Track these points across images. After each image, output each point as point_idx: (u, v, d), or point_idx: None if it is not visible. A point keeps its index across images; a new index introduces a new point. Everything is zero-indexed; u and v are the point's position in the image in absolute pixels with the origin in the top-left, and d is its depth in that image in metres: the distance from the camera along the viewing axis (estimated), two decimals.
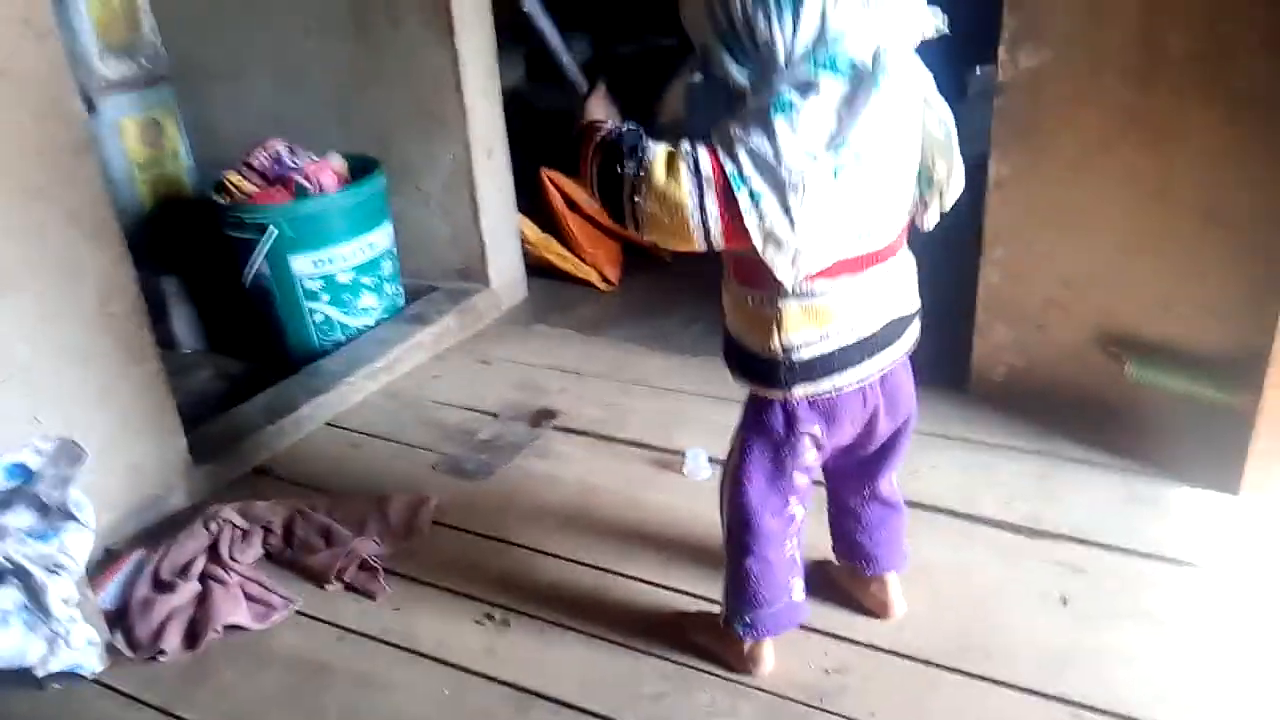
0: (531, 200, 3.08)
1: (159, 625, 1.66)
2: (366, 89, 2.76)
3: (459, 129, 2.71)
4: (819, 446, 1.35)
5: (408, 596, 1.78)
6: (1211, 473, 1.90)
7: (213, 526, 1.85)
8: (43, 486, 1.50)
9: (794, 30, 1.08)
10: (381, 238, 2.71)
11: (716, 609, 1.57)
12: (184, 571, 1.76)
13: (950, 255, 2.16)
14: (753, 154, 1.09)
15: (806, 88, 1.09)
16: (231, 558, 1.82)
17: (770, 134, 1.08)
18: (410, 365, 2.62)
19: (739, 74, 1.13)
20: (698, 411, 2.31)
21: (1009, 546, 1.80)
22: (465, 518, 1.98)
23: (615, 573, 1.80)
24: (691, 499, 1.97)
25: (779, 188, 1.09)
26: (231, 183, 2.61)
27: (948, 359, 2.23)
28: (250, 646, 1.68)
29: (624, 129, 1.19)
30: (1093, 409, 2.12)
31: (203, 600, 1.71)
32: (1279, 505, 1.82)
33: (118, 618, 1.69)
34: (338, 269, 2.62)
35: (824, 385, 1.26)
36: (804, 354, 1.24)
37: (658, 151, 1.13)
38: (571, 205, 3.09)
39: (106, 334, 1.85)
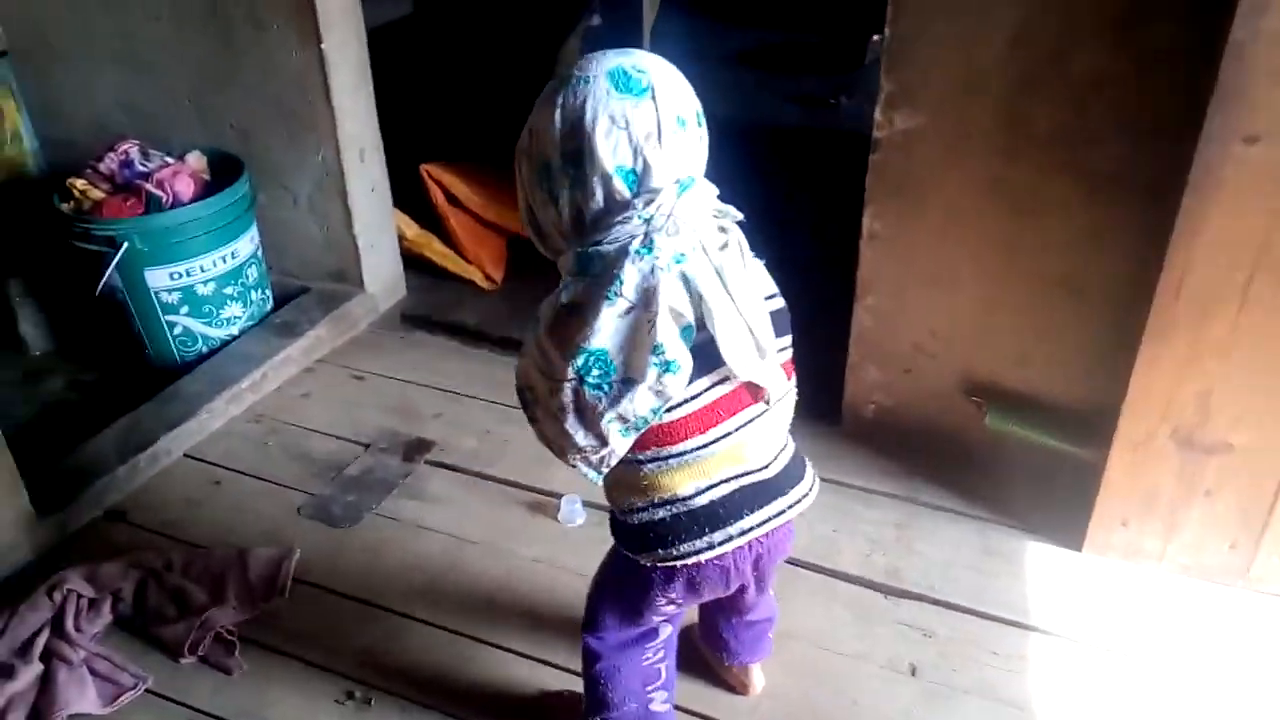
0: (411, 193, 2.96)
1: None
2: (225, 87, 2.58)
3: (328, 131, 2.56)
4: (676, 605, 1.34)
5: (265, 670, 1.74)
6: (1059, 528, 1.99)
7: (56, 596, 1.77)
8: None
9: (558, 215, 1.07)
10: (245, 245, 2.57)
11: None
12: (25, 650, 1.69)
13: (829, 285, 2.19)
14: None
15: (559, 290, 1.08)
16: (78, 628, 1.74)
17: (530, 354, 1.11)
18: (278, 381, 2.53)
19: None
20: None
21: (868, 606, 1.86)
22: (329, 574, 1.94)
23: (482, 641, 1.79)
24: (564, 550, 1.97)
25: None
26: (78, 189, 2.43)
27: (823, 389, 2.26)
28: None
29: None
30: (954, 454, 2.19)
31: (45, 684, 1.65)
32: (1117, 566, 1.93)
33: None
34: (197, 280, 2.48)
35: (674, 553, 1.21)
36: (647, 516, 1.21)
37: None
38: (453, 200, 2.98)
39: None
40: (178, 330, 2.52)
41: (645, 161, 1.02)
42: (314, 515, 2.10)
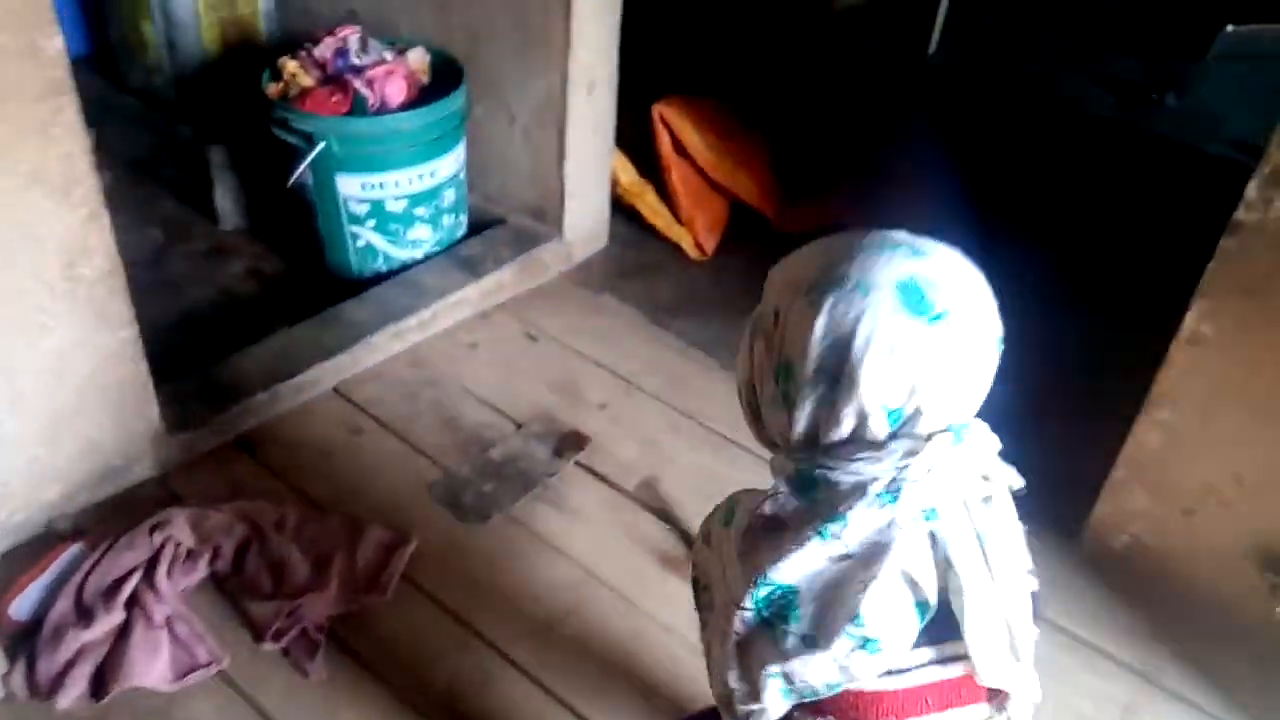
0: (637, 134, 2.62)
1: (63, 666, 1.47)
2: None
3: (559, 54, 2.24)
4: None
5: (344, 684, 1.55)
6: None
7: (157, 538, 1.64)
8: None
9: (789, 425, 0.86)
10: (448, 165, 2.33)
11: None
12: (111, 593, 1.56)
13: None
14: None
15: (764, 499, 0.90)
16: (169, 576, 1.61)
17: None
18: (448, 322, 2.30)
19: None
20: (746, 479, 1.95)
21: None
22: (439, 579, 1.72)
23: (580, 716, 1.53)
24: (696, 634, 1.66)
25: None
26: (289, 71, 2.24)
27: (1065, 491, 1.80)
28: (157, 713, 1.49)
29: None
30: (1220, 635, 1.69)
31: (120, 639, 1.52)
32: None
33: (25, 641, 1.51)
34: (388, 195, 2.27)
35: None
36: None
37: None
38: (680, 151, 2.63)
39: (70, 299, 1.58)
40: (360, 243, 2.33)
41: (919, 406, 0.81)
42: (443, 499, 1.87)
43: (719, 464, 2.00)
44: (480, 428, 2.04)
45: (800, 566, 0.82)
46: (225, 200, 2.60)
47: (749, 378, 0.90)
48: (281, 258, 2.54)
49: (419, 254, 2.40)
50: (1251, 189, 1.43)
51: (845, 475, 0.82)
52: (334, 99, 2.21)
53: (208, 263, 2.52)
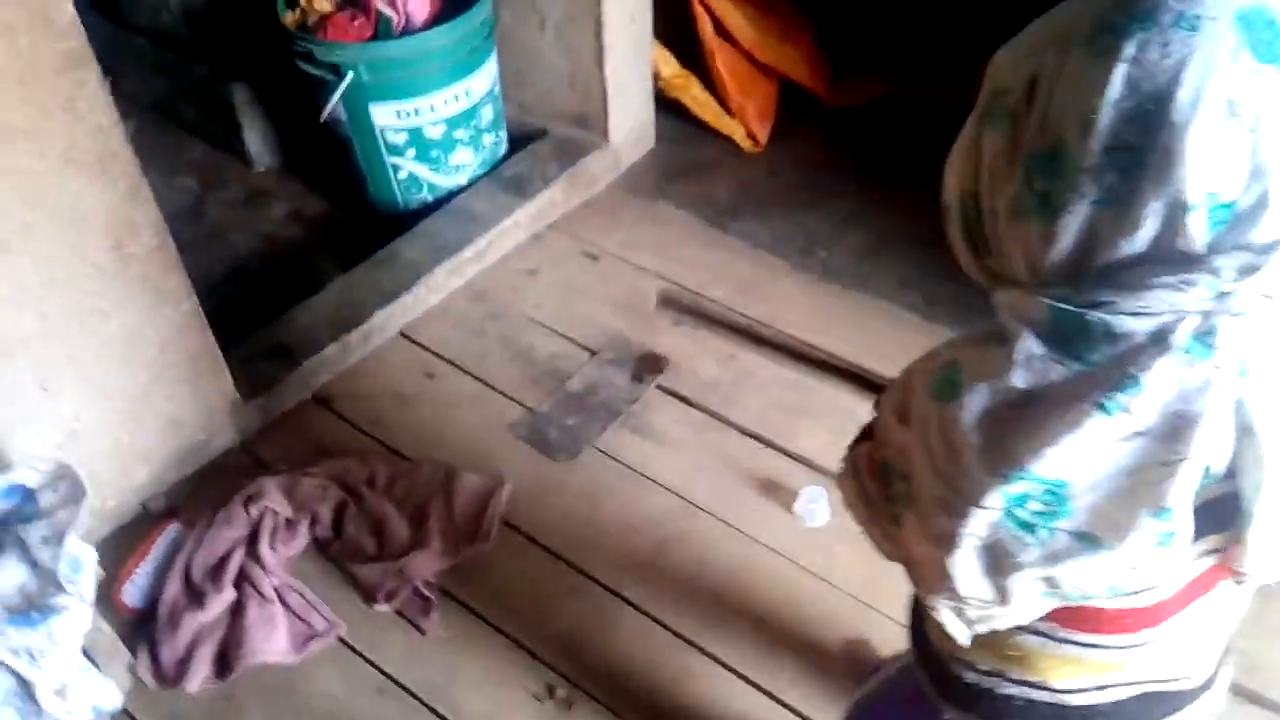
0: (674, 22, 2.45)
1: (185, 650, 1.48)
2: None
3: None
4: None
5: (462, 638, 1.55)
6: None
7: (253, 511, 1.62)
8: (36, 538, 1.26)
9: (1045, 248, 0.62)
10: (481, 81, 2.20)
11: None
12: (217, 573, 1.56)
13: None
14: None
15: (1001, 366, 0.64)
16: (273, 549, 1.60)
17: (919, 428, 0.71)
18: (503, 250, 2.22)
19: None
20: (831, 393, 1.89)
21: None
22: (539, 521, 1.70)
23: (702, 650, 1.53)
24: (809, 549, 1.64)
25: None
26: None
27: None
28: (283, 686, 1.50)
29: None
30: None
31: (236, 617, 1.52)
32: None
33: (142, 628, 1.52)
34: (426, 121, 2.15)
35: None
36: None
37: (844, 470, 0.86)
38: (723, 34, 2.46)
39: (124, 279, 1.51)
40: (402, 175, 2.23)
41: (1262, 197, 0.56)
42: (528, 438, 1.84)
43: (801, 374, 1.93)
44: (553, 359, 1.99)
45: (1074, 454, 0.61)
46: (255, 141, 2.49)
47: (970, 186, 0.67)
48: (322, 196, 2.45)
49: (463, 179, 2.29)
50: None
51: (1135, 315, 0.59)
52: (356, 23, 2.07)
53: (247, 209, 2.44)
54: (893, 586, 1.52)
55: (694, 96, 2.50)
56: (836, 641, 1.54)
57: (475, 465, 1.77)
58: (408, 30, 2.08)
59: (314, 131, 2.22)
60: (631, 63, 2.33)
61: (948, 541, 0.67)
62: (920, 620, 0.95)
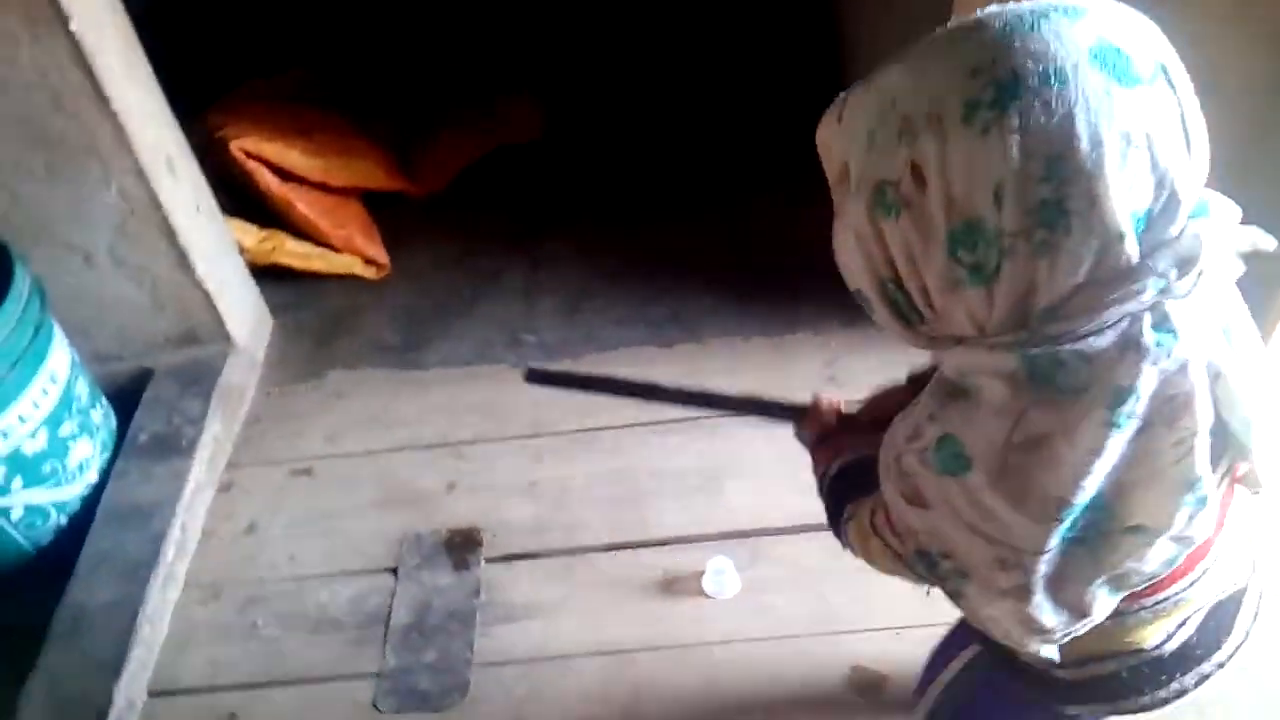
0: (233, 190, 2.11)
1: None
2: None
3: (114, 148, 1.68)
4: None
5: None
6: None
7: None
8: None
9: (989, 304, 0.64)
10: (59, 356, 1.71)
11: None
12: None
13: None
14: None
15: (991, 414, 0.65)
16: None
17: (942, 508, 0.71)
18: (199, 523, 1.77)
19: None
20: (653, 463, 1.78)
21: None
22: None
23: None
24: (753, 622, 1.52)
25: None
26: None
27: None
28: None
29: (832, 476, 0.96)
30: None
31: None
32: None
33: None
34: (22, 436, 1.62)
35: None
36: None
37: (852, 524, 0.89)
38: (291, 179, 2.17)
39: None
40: (16, 515, 1.67)
41: (1171, 194, 0.60)
42: (400, 705, 1.49)
43: (617, 466, 1.79)
44: (356, 605, 1.63)
45: (1098, 475, 0.63)
46: None
47: (886, 272, 0.67)
48: None
49: (93, 476, 1.78)
50: None
51: (1099, 333, 0.61)
52: None
53: None
54: (843, 604, 1.49)
55: (291, 252, 2.19)
56: (840, 678, 1.45)
57: None
58: None
59: None
60: (219, 252, 1.97)
61: (1019, 593, 0.70)
62: (993, 644, 0.88)
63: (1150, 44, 0.59)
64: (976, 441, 0.67)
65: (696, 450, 1.78)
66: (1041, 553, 0.67)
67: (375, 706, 1.49)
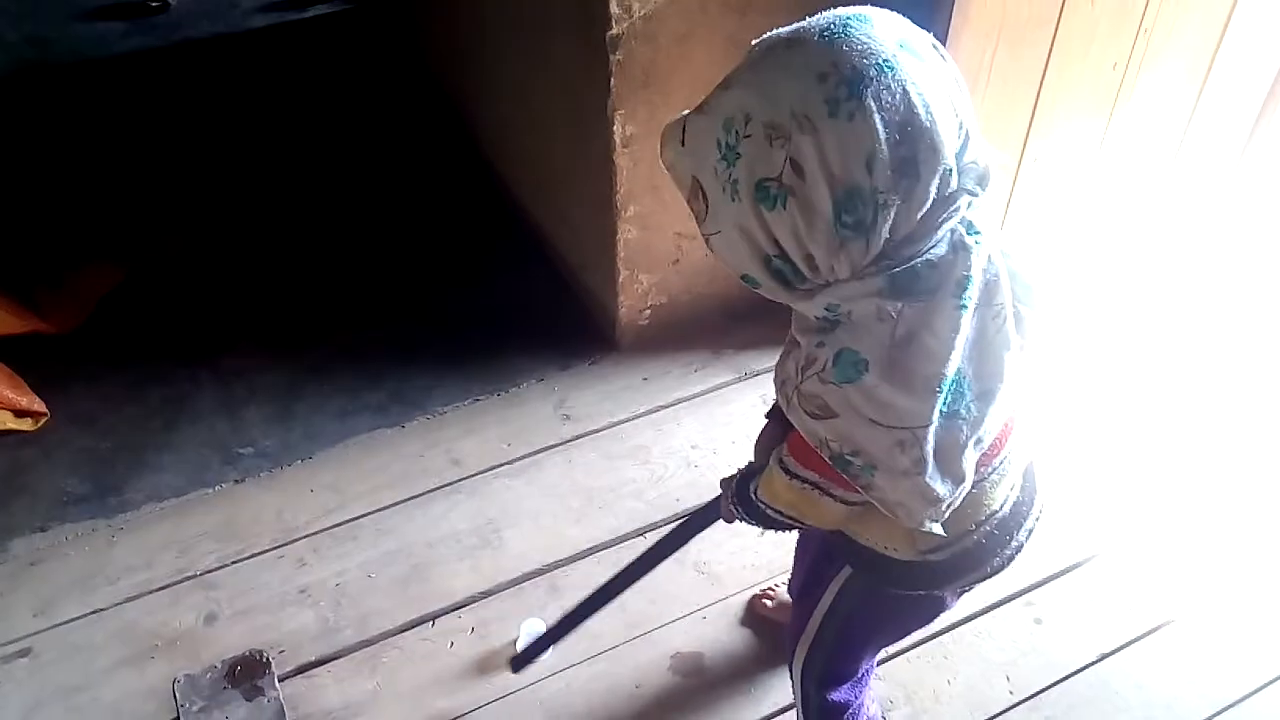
0: None
1: None
2: None
3: None
4: None
5: None
6: None
7: None
8: None
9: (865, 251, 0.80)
10: None
11: None
12: None
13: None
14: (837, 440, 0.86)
15: (874, 323, 0.82)
16: None
17: (847, 413, 0.84)
18: None
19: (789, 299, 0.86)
20: (426, 531, 1.78)
21: None
22: None
23: None
24: (557, 660, 1.59)
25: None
26: None
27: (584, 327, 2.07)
28: None
29: (735, 483, 1.13)
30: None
31: None
32: None
33: None
34: None
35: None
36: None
37: (760, 483, 1.06)
38: None
39: None
40: None
41: (967, 131, 0.80)
42: None
43: (392, 551, 1.76)
44: None
45: (959, 349, 0.81)
46: None
47: (771, 251, 0.80)
48: None
49: None
50: (613, 5, 1.69)
51: (937, 246, 0.80)
52: None
53: None
54: (643, 607, 1.62)
55: None
56: (665, 669, 1.57)
57: None
58: None
59: None
60: None
61: (917, 468, 0.83)
62: (850, 554, 1.07)
63: (918, 32, 0.79)
64: (870, 347, 0.81)
65: (463, 513, 1.81)
66: (929, 424, 0.82)
67: None
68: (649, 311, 2.16)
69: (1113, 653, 1.59)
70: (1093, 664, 1.57)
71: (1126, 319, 2.21)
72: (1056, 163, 1.96)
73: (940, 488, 0.85)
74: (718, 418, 2.00)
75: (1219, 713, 1.51)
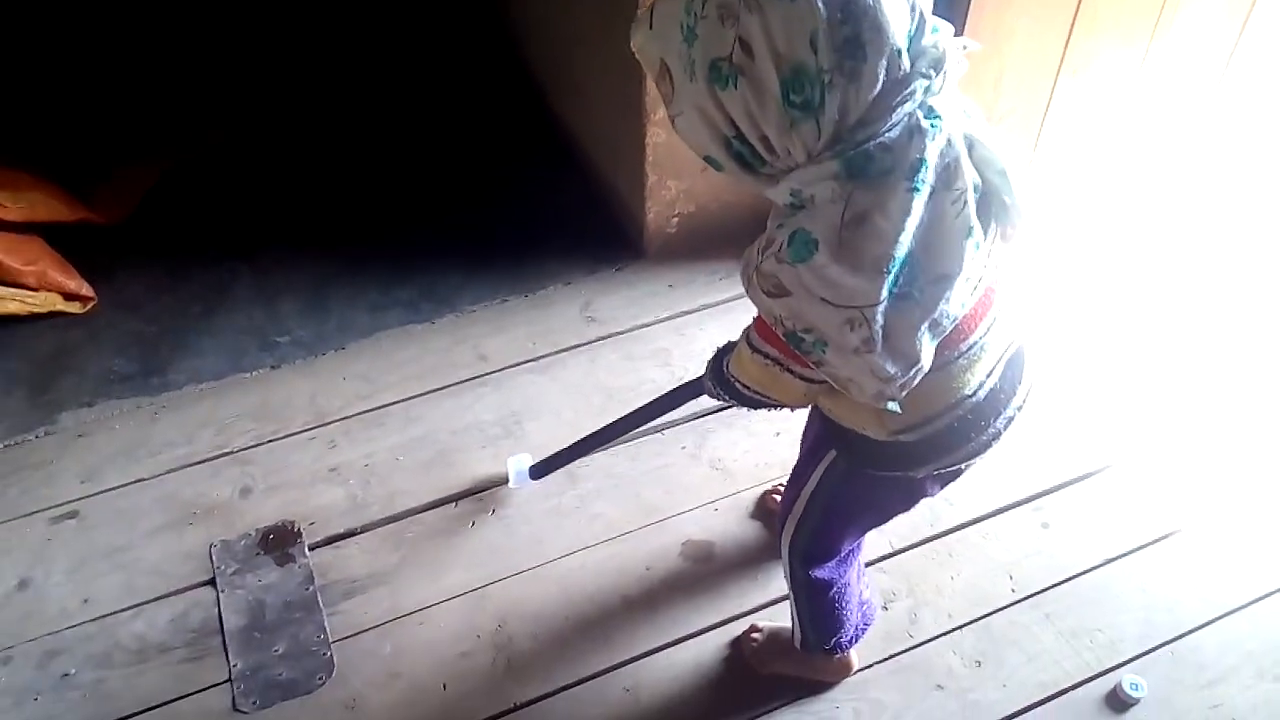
0: None
1: None
2: None
3: None
4: None
5: None
6: None
7: None
8: None
9: (818, 134, 0.81)
10: None
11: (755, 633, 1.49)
12: None
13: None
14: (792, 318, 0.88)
15: (827, 205, 0.84)
16: None
17: (799, 291, 0.86)
18: None
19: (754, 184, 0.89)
20: (452, 420, 1.84)
21: None
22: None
23: (637, 658, 1.49)
24: (573, 541, 1.65)
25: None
26: None
27: (615, 234, 2.10)
28: None
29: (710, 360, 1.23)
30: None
31: None
32: None
33: None
34: None
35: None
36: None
37: (731, 359, 1.15)
38: None
39: None
40: None
41: (920, 12, 0.80)
42: (264, 698, 1.44)
43: (417, 434, 1.83)
44: (182, 621, 1.53)
45: (909, 231, 0.82)
46: None
47: (730, 132, 0.83)
48: None
49: None
50: None
51: (892, 133, 0.81)
52: None
53: None
54: (659, 496, 1.67)
55: None
56: (676, 555, 1.62)
57: None
58: None
59: None
60: None
61: (867, 346, 0.85)
62: (834, 437, 1.10)
63: None
64: (820, 228, 0.83)
65: (488, 404, 1.87)
66: (877, 303, 0.83)
67: (236, 709, 1.43)
68: (677, 220, 2.18)
69: (1118, 558, 1.61)
70: (1097, 567, 1.60)
71: (1148, 237, 2.18)
72: (1096, 76, 1.93)
73: (890, 366, 0.87)
74: (741, 325, 2.01)
75: (1221, 617, 1.54)
